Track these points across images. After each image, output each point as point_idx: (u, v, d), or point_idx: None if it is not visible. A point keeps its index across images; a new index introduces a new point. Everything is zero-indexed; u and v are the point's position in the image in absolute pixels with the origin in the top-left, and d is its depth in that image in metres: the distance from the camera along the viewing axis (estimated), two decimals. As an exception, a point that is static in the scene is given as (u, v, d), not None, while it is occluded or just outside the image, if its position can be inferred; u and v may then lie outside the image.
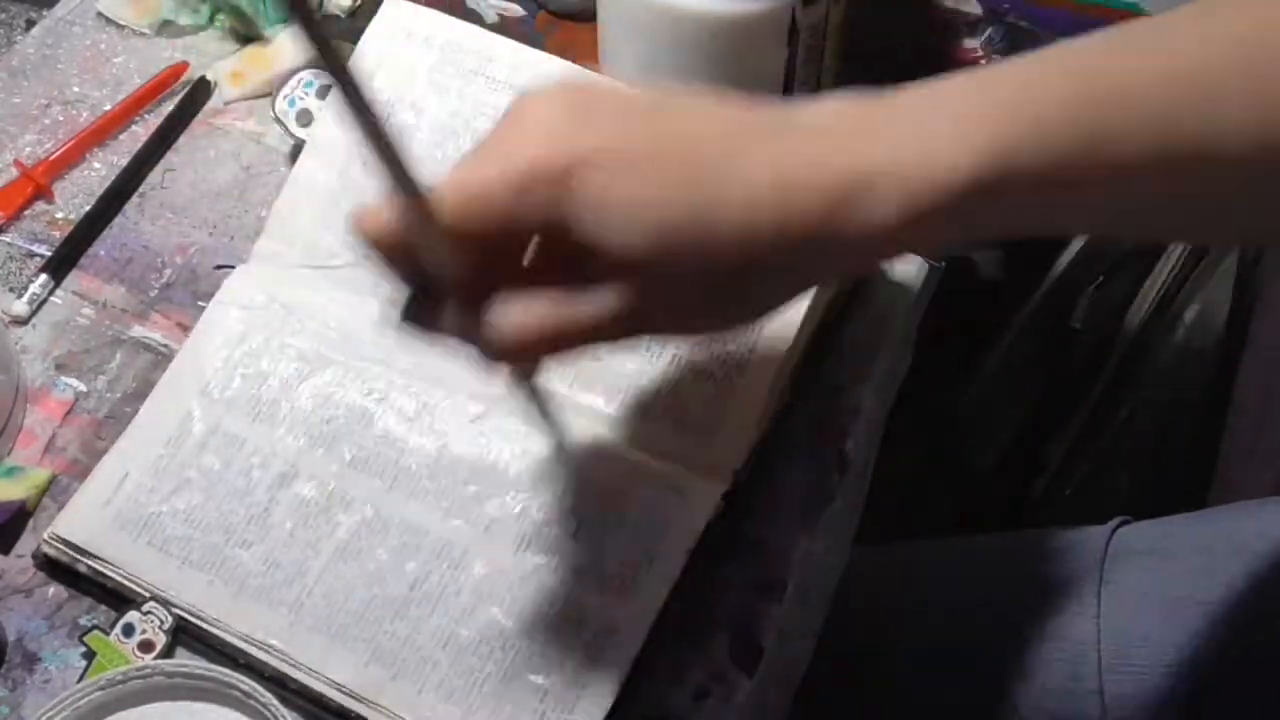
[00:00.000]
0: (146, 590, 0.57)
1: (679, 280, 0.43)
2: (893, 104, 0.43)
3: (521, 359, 0.47)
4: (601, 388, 0.61)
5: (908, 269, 0.68)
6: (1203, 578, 0.74)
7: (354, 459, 0.59)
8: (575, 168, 0.42)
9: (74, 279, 0.69)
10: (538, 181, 0.42)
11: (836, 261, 0.46)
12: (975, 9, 0.79)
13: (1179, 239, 0.96)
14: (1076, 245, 1.12)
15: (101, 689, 0.55)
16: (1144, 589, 0.75)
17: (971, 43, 0.78)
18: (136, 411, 0.62)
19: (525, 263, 0.46)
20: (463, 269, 0.44)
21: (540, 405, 0.55)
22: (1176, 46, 0.42)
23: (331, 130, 0.66)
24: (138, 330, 0.67)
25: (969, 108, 0.41)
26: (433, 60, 0.66)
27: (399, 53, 0.66)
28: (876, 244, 0.43)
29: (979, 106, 0.41)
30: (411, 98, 0.65)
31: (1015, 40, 0.78)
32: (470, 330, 0.45)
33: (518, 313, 0.44)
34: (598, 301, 0.44)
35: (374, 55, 0.66)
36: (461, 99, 0.65)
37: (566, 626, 0.56)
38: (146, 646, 0.57)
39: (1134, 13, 1.23)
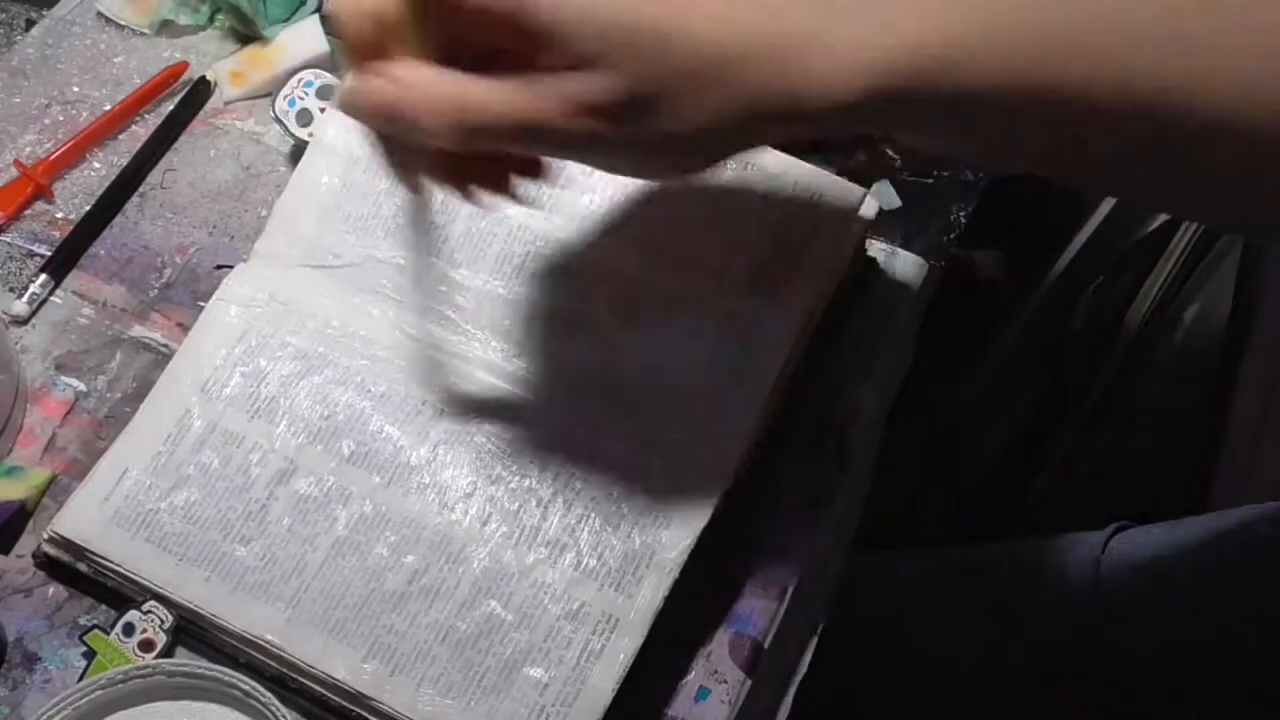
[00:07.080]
0: (144, 587, 0.57)
1: (618, 92, 0.42)
2: None
3: (441, 138, 0.44)
4: (603, 387, 0.61)
5: (908, 269, 0.68)
6: (1200, 595, 0.74)
7: (352, 455, 0.59)
8: None
9: (74, 279, 0.69)
10: None
11: (775, 119, 0.44)
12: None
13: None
14: (1077, 245, 1.12)
15: (103, 688, 0.55)
16: (1141, 608, 0.75)
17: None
18: (136, 411, 0.62)
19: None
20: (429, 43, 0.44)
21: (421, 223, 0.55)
22: None
23: (335, 132, 0.66)
24: (137, 330, 0.67)
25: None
26: None
27: None
28: (816, 106, 0.43)
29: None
30: None
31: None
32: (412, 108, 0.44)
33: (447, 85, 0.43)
34: (532, 91, 0.43)
35: None
36: None
37: (566, 621, 0.56)
38: (147, 646, 0.57)
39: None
